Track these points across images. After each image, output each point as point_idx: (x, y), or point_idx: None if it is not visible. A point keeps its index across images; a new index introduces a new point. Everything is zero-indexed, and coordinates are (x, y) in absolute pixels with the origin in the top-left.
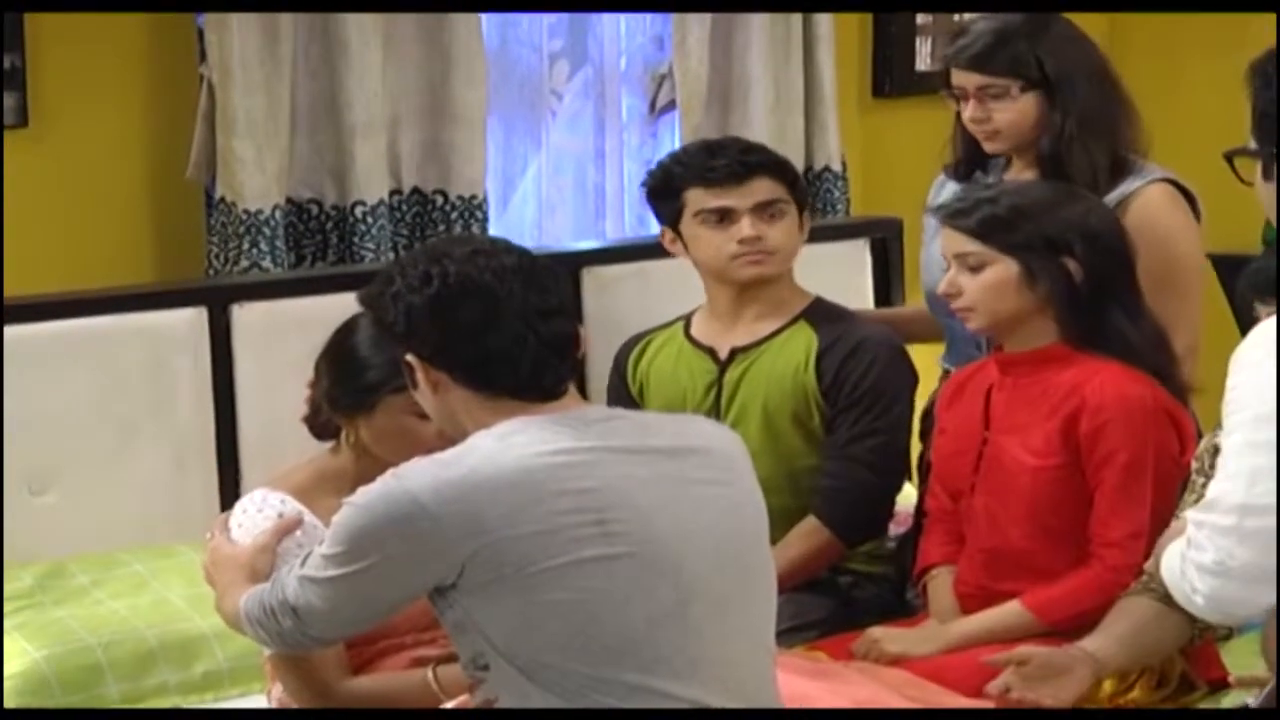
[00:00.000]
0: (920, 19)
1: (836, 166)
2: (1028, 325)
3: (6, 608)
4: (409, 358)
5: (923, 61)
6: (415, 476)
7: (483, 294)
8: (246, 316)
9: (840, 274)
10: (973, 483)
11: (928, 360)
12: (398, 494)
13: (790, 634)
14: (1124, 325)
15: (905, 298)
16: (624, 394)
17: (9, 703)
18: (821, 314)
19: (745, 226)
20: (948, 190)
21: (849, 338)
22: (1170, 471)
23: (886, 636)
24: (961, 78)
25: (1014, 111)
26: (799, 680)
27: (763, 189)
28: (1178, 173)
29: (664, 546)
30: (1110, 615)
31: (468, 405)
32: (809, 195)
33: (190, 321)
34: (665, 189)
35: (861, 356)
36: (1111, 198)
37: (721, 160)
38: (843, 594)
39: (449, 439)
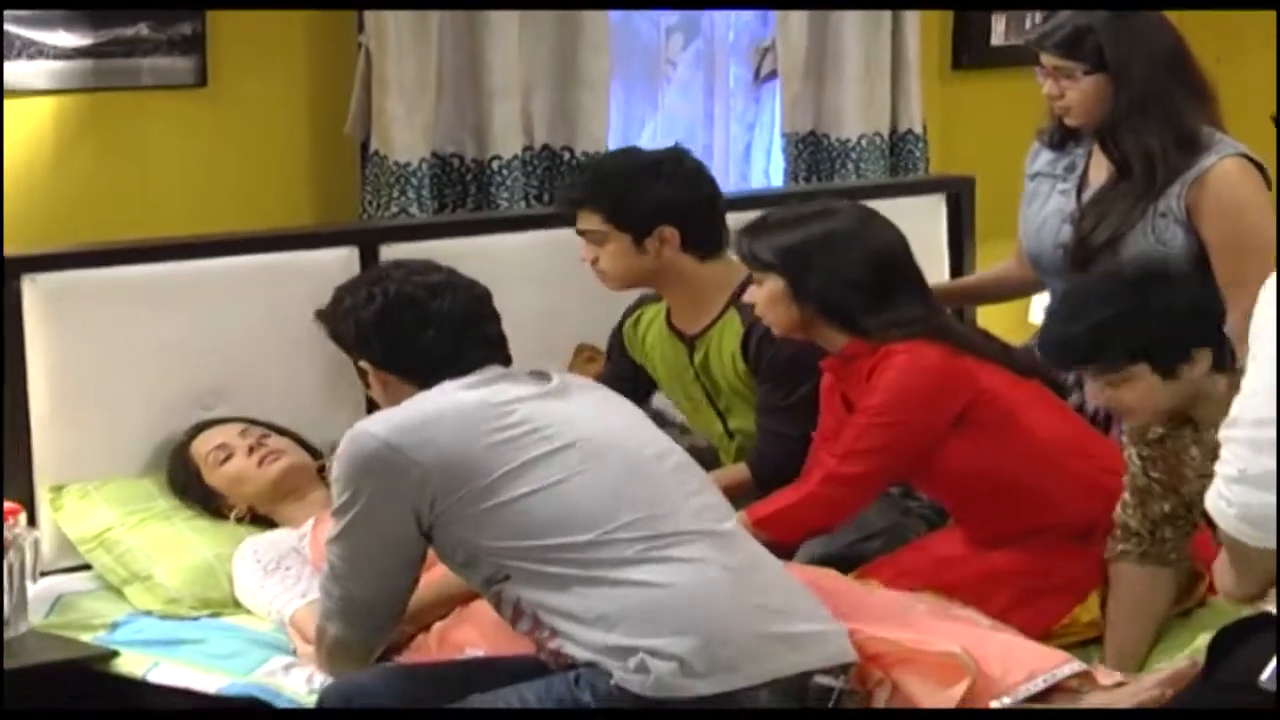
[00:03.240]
0: None
1: (918, 130)
2: (817, 331)
3: (186, 513)
4: (361, 364)
5: (998, 37)
6: (370, 422)
7: (419, 307)
8: (393, 256)
9: (920, 225)
10: None
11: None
12: (359, 435)
13: (852, 546)
14: (898, 315)
15: (976, 246)
16: (623, 355)
17: (176, 584)
18: (744, 298)
19: (580, 249)
20: (1042, 157)
21: (762, 323)
22: (910, 414)
23: None
24: (1042, 57)
25: (1078, 91)
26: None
27: (582, 219)
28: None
29: (595, 435)
30: (1111, 605)
31: (408, 393)
32: (658, 216)
33: (344, 260)
34: None
35: (770, 337)
36: (1190, 175)
37: (558, 193)
38: (895, 504)
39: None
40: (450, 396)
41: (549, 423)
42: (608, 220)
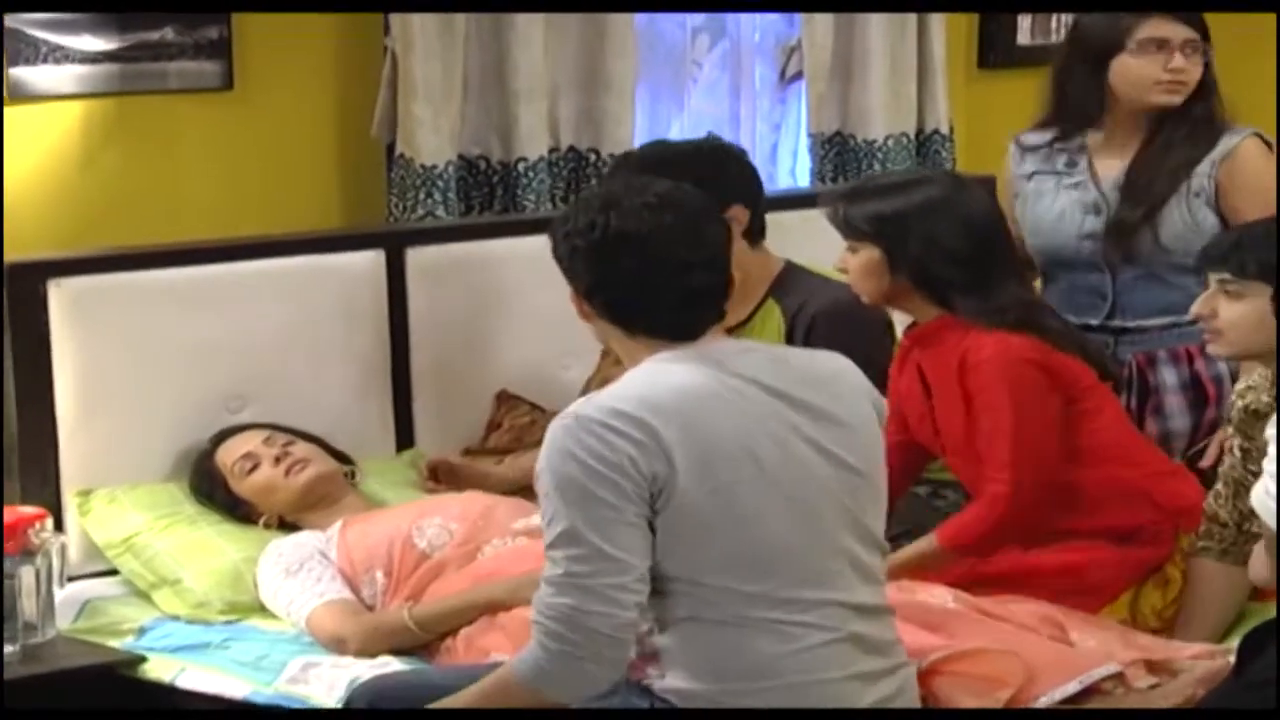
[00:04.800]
0: None
1: (945, 130)
2: (909, 303)
3: (213, 517)
4: (572, 288)
5: (1024, 36)
6: (592, 407)
7: (637, 247)
8: (420, 258)
9: None
10: (940, 445)
11: None
12: (585, 424)
13: None
14: (992, 297)
15: None
16: None
17: (204, 588)
18: (784, 288)
19: None
20: (1029, 160)
21: (806, 312)
22: (1034, 407)
23: None
24: (1170, 29)
25: (1198, 68)
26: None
27: None
28: None
29: (796, 471)
30: (1188, 599)
31: (614, 335)
32: (731, 194)
33: (371, 262)
34: None
35: (820, 329)
36: (1217, 153)
37: None
38: (923, 504)
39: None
40: (674, 386)
41: (763, 444)
42: None
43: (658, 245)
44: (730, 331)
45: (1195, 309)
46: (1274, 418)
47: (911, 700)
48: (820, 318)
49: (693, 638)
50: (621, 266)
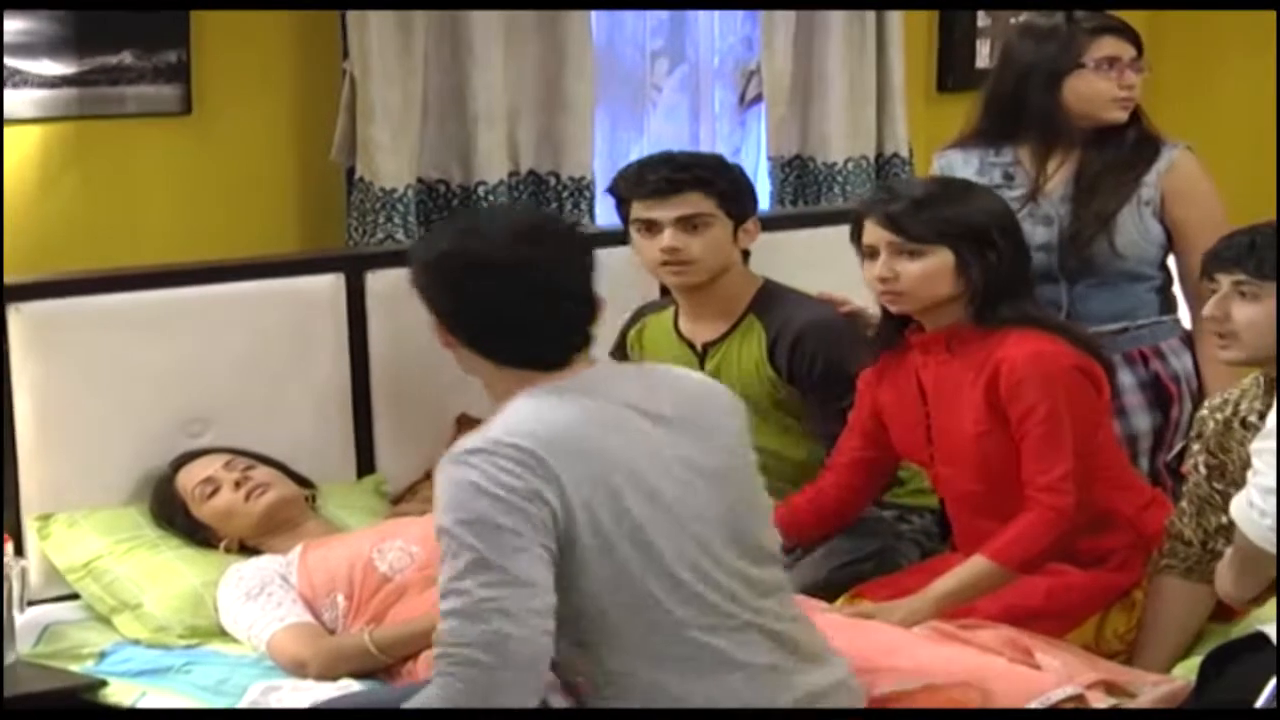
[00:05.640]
0: (981, 21)
1: (904, 153)
2: (944, 310)
3: (174, 541)
4: (431, 315)
5: (982, 60)
6: (486, 441)
7: (495, 275)
8: (379, 282)
9: None
10: (930, 454)
11: None
12: (485, 457)
13: (845, 569)
14: (1023, 305)
15: None
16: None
17: (164, 613)
18: (765, 305)
19: (666, 237)
20: (960, 173)
21: (789, 330)
22: (1085, 415)
23: (879, 610)
24: (1121, 48)
25: (1140, 83)
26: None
27: (688, 203)
28: (1207, 158)
29: (683, 505)
30: (1149, 616)
31: (476, 364)
32: (750, 205)
33: (330, 286)
34: (617, 198)
35: (805, 347)
36: (1161, 164)
37: (652, 176)
38: (889, 528)
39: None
40: (560, 420)
41: (648, 470)
42: (720, 205)
43: (521, 274)
44: (709, 346)
45: (1208, 311)
46: (1269, 423)
47: (854, 689)
48: (806, 333)
49: (612, 680)
50: (482, 295)
